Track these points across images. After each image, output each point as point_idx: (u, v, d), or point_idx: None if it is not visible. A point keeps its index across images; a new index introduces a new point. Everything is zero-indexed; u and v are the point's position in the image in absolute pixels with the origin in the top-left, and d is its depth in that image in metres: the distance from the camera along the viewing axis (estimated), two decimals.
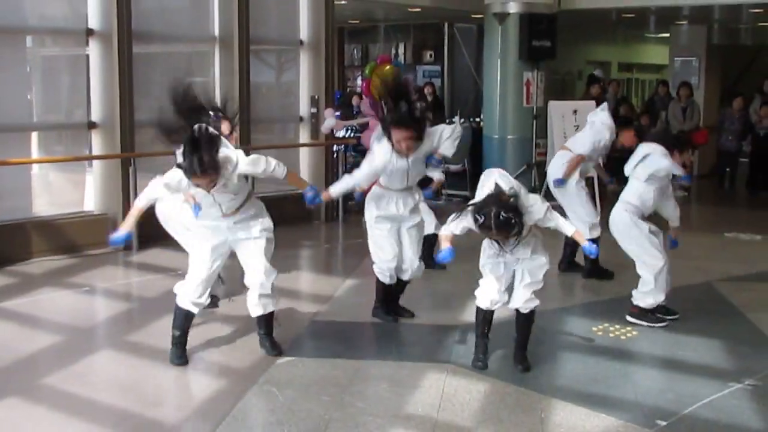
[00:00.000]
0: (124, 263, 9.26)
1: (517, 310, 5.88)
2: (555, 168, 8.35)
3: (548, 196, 7.66)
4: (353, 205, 12.22)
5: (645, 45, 23.29)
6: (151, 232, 9.06)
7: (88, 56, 9.82)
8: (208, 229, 5.88)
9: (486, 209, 5.33)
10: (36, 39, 10.35)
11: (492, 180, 5.57)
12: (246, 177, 6.03)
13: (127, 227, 5.84)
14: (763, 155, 14.67)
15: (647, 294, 6.84)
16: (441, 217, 7.14)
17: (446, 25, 18.13)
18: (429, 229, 8.09)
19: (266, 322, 6.13)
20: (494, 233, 5.40)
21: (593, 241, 7.51)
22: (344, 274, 8.78)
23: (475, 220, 5.40)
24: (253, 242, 5.95)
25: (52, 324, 7.05)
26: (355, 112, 14.65)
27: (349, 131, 13.99)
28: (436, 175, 8.46)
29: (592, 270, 8.25)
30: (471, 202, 5.58)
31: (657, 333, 6.71)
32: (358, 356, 6.15)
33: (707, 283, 8.33)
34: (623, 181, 7.20)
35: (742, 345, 6.47)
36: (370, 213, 6.73)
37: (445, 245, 5.66)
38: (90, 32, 9.72)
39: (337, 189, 6.63)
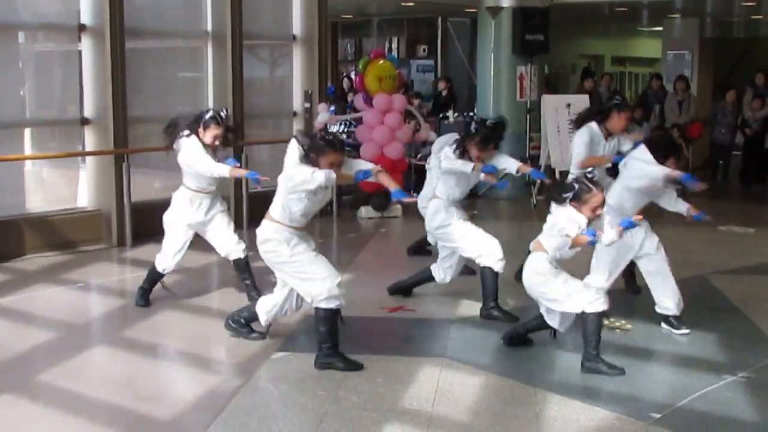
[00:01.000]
0: (118, 259, 9.25)
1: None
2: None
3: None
4: (349, 199, 12.24)
5: (638, 39, 23.30)
6: (145, 228, 9.10)
7: (80, 52, 9.79)
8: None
9: None
10: (28, 35, 10.31)
11: None
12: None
13: None
14: (756, 148, 14.69)
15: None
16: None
17: (440, 19, 18.13)
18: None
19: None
20: None
21: None
22: (339, 269, 8.74)
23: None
24: None
25: (46, 320, 7.04)
26: (348, 108, 14.66)
27: (343, 126, 13.98)
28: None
29: None
30: None
31: (651, 326, 6.72)
32: (352, 351, 6.14)
33: (701, 277, 8.35)
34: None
35: (736, 338, 6.49)
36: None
37: None
38: (82, 28, 9.69)
39: None
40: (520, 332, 6.20)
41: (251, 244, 6.50)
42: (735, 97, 15.03)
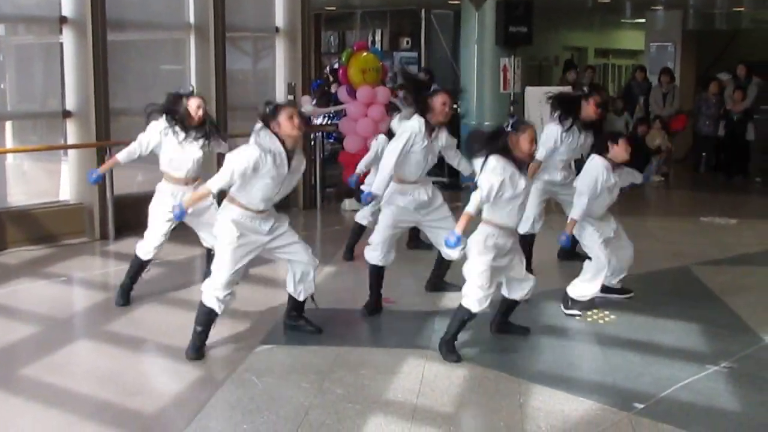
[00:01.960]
0: (101, 252, 9.21)
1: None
2: None
3: None
4: (333, 192, 12.24)
5: (621, 31, 23.33)
6: (128, 221, 9.06)
7: (62, 44, 9.72)
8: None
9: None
10: (9, 27, 10.24)
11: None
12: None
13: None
14: (738, 139, 14.76)
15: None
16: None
17: (423, 11, 18.09)
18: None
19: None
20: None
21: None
22: (323, 262, 8.74)
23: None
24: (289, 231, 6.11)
25: (29, 314, 7.01)
26: (333, 100, 14.64)
27: (327, 118, 13.96)
28: None
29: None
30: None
31: (634, 317, 6.75)
32: (337, 343, 6.15)
33: (684, 267, 8.39)
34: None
35: (719, 328, 6.52)
36: None
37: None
38: (63, 20, 9.62)
39: None
40: (498, 318, 6.25)
41: None
42: (717, 88, 15.08)
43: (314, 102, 11.90)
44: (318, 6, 16.37)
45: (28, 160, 10.27)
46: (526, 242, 7.77)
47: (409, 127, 6.65)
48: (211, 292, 5.82)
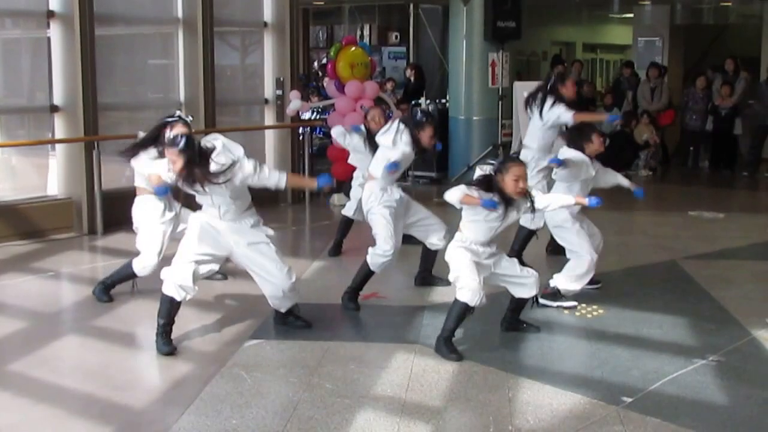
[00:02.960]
0: (89, 248, 9.19)
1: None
2: None
3: None
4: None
5: (609, 25, 23.39)
6: (116, 216, 9.04)
7: (49, 39, 9.69)
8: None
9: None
10: None
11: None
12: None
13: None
14: (726, 134, 14.81)
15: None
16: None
17: (411, 5, 18.10)
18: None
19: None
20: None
21: None
22: (311, 257, 8.77)
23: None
24: (265, 246, 6.01)
25: (17, 309, 6.98)
26: (322, 95, 14.65)
27: (315, 113, 13.96)
28: None
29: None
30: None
31: (623, 311, 6.77)
32: (325, 338, 6.15)
33: (672, 261, 8.41)
34: None
35: (706, 322, 6.55)
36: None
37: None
38: (51, 14, 9.59)
39: None
40: (508, 316, 6.25)
41: None
42: (705, 83, 15.12)
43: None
44: (306, 0, 16.35)
45: (15, 155, 10.23)
46: (525, 237, 7.84)
47: (404, 147, 6.82)
48: (171, 279, 5.83)
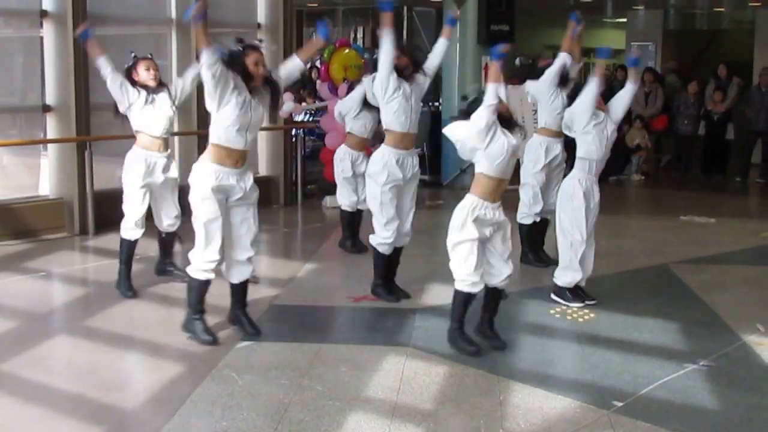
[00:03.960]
0: (81, 248, 9.17)
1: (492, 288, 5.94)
2: None
3: None
4: (313, 188, 12.23)
5: (602, 30, 23.43)
6: (108, 216, 9.01)
7: (42, 38, 9.67)
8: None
9: None
10: None
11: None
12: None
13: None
14: (718, 139, 14.85)
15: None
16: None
17: (405, 8, 18.10)
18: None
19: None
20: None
21: None
22: (303, 258, 8.77)
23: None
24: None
25: (8, 309, 6.96)
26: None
27: (308, 115, 13.94)
28: None
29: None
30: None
31: (613, 315, 6.78)
32: (317, 340, 6.15)
33: (663, 266, 8.43)
34: None
35: (697, 326, 6.56)
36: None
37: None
38: (44, 14, 9.56)
39: None
40: (481, 316, 6.13)
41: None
42: (697, 88, 15.16)
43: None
44: (300, 2, 16.33)
45: (7, 155, 10.20)
46: (538, 230, 7.92)
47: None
48: (194, 265, 5.91)
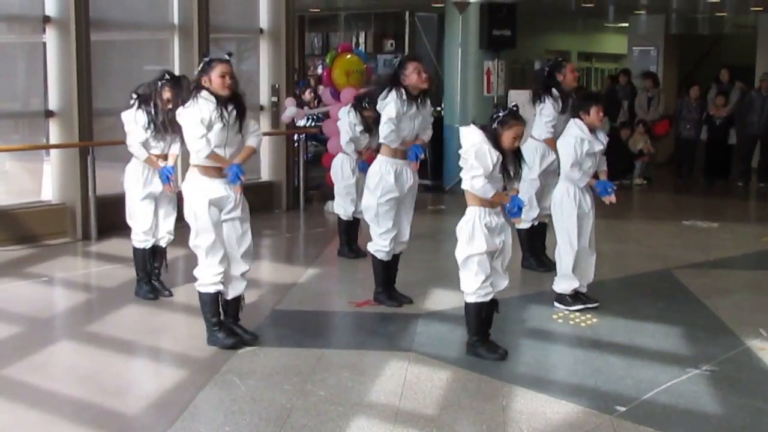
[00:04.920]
0: (83, 253, 9.18)
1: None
2: None
3: None
4: (315, 193, 12.23)
5: (604, 35, 23.46)
6: (110, 221, 9.03)
7: (45, 44, 9.68)
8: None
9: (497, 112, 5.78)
10: None
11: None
12: None
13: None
14: (720, 144, 14.84)
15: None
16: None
17: (407, 13, 18.12)
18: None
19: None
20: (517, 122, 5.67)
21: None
22: (306, 264, 8.77)
23: (496, 118, 5.73)
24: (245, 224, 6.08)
25: (10, 314, 6.96)
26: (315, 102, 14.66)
27: (311, 120, 13.96)
28: None
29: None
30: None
31: (616, 320, 6.77)
32: (319, 345, 6.15)
33: (666, 270, 8.42)
34: None
35: (700, 331, 6.55)
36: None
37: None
38: (47, 19, 9.59)
39: None
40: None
41: None
42: (699, 92, 15.16)
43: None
44: (302, 8, 16.36)
45: (10, 160, 10.21)
46: (537, 234, 7.91)
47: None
48: (200, 281, 5.96)
